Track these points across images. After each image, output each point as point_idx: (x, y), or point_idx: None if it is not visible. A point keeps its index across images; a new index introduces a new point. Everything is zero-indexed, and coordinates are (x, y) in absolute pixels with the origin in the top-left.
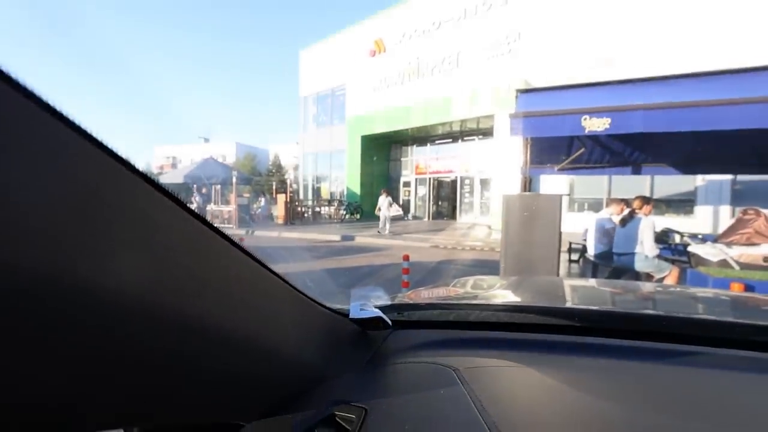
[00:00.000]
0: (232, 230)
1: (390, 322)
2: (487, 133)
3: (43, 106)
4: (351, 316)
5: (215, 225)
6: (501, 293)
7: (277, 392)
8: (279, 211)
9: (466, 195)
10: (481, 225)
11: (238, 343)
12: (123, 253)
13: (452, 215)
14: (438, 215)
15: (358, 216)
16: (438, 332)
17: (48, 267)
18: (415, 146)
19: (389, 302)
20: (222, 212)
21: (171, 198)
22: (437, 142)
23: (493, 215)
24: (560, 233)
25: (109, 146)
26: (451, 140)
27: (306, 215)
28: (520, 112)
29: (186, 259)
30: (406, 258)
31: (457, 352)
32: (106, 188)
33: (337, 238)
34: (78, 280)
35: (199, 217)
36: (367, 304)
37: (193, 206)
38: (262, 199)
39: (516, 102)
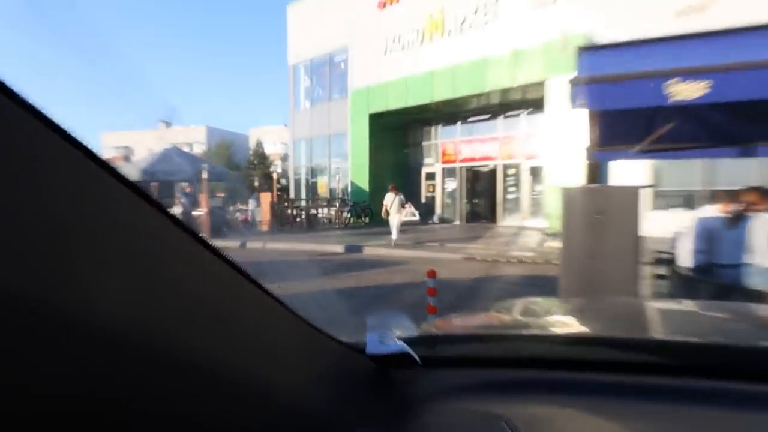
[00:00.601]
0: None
1: (418, 360)
2: (536, 105)
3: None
4: (368, 351)
5: None
6: (561, 321)
7: None
8: (263, 214)
9: (511, 189)
10: (531, 229)
11: (227, 384)
12: (99, 272)
13: (492, 217)
14: (473, 217)
15: (366, 219)
16: (481, 372)
17: (10, 284)
18: (440, 126)
19: (415, 334)
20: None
21: (156, 206)
22: (470, 119)
23: (547, 216)
24: (641, 239)
25: (87, 146)
26: (488, 116)
27: (299, 219)
28: (582, 76)
29: (173, 280)
30: (432, 275)
31: (508, 397)
32: (80, 193)
33: (339, 249)
34: (46, 300)
35: (189, 230)
36: (388, 336)
37: (177, 211)
38: (252, 202)
39: (577, 64)
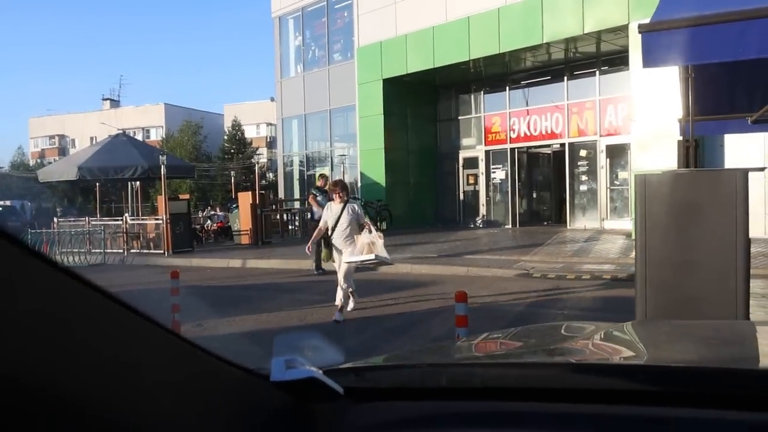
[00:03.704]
0: (163, 258)
1: (340, 389)
2: (615, 62)
3: None
4: (272, 378)
5: (131, 247)
6: (601, 346)
7: None
8: (242, 221)
9: (583, 178)
10: (611, 233)
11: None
12: None
13: (558, 217)
14: (531, 218)
15: (383, 225)
16: (420, 404)
17: None
18: (483, 93)
19: (340, 361)
20: (145, 228)
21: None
22: (523, 83)
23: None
24: (748, 242)
25: None
26: (549, 78)
27: (291, 227)
28: (662, 20)
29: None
30: (462, 298)
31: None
32: None
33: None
34: None
35: (48, 260)
36: (298, 361)
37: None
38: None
39: (658, 3)
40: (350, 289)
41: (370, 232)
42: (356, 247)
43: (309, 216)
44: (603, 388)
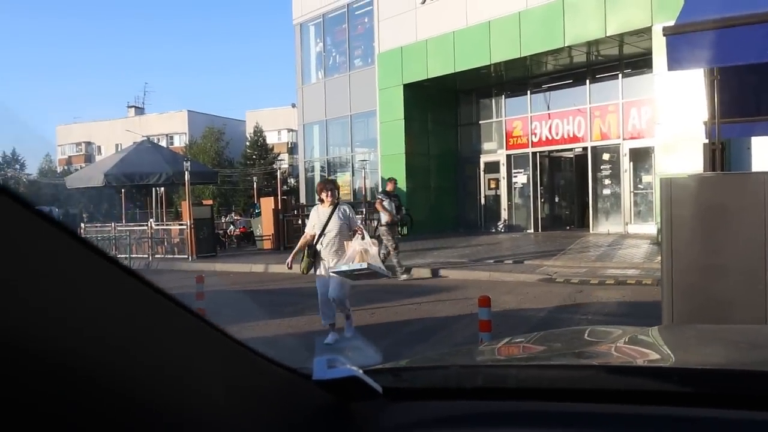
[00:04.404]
0: (187, 263)
1: (378, 388)
2: (638, 64)
3: None
4: (315, 376)
5: (156, 252)
6: (634, 351)
7: None
8: (264, 226)
9: (607, 182)
10: (636, 237)
11: (133, 408)
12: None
13: (581, 221)
14: (553, 222)
15: (404, 231)
16: (455, 404)
17: None
18: (504, 97)
19: (378, 362)
20: (169, 233)
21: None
22: (544, 87)
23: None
24: None
25: None
26: (571, 82)
27: None
28: (687, 22)
29: (94, 309)
30: (485, 303)
31: (485, 430)
32: None
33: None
34: None
35: (108, 256)
36: (339, 360)
37: (383, 219)
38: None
39: (683, 5)
40: (347, 310)
41: (363, 238)
42: (346, 255)
43: (376, 223)
44: (636, 389)
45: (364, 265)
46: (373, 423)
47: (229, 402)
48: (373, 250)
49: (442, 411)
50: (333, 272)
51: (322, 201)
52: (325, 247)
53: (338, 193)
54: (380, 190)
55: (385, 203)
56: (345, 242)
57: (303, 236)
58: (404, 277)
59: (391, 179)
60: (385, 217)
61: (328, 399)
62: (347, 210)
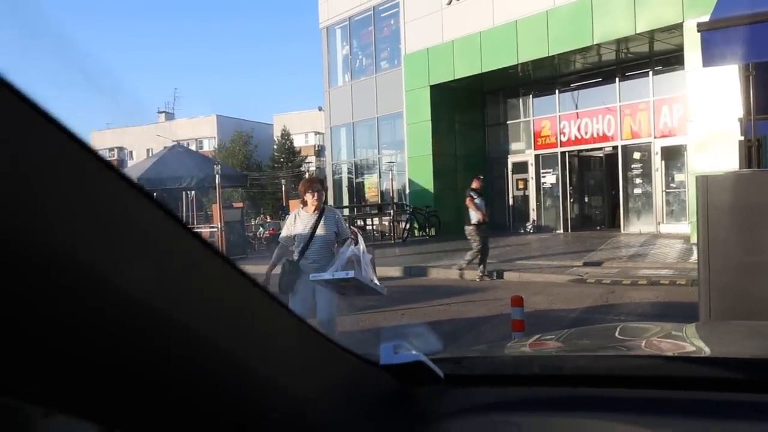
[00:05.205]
0: None
1: (441, 374)
2: (669, 61)
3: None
4: (382, 361)
5: None
6: (675, 345)
7: None
8: None
9: (638, 181)
10: (669, 237)
11: (231, 381)
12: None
13: (612, 221)
14: (583, 222)
15: (432, 231)
16: (513, 390)
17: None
18: (531, 97)
19: (440, 350)
20: (201, 235)
21: (169, 214)
22: (573, 86)
23: (695, 217)
24: None
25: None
26: (600, 80)
27: None
28: (722, 18)
29: (190, 281)
30: (518, 302)
31: (542, 414)
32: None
33: (396, 272)
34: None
35: (197, 236)
36: (404, 346)
37: (474, 218)
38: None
39: (717, 1)
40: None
41: (356, 243)
42: (335, 262)
43: (467, 221)
44: (692, 376)
45: (351, 275)
46: (435, 406)
47: (306, 384)
48: (367, 259)
49: (500, 396)
50: (313, 278)
51: (305, 204)
52: (307, 262)
53: (325, 196)
54: (470, 187)
55: (477, 201)
56: (334, 252)
57: (278, 247)
58: (486, 279)
59: (478, 176)
60: (476, 216)
61: (393, 383)
62: (337, 216)
